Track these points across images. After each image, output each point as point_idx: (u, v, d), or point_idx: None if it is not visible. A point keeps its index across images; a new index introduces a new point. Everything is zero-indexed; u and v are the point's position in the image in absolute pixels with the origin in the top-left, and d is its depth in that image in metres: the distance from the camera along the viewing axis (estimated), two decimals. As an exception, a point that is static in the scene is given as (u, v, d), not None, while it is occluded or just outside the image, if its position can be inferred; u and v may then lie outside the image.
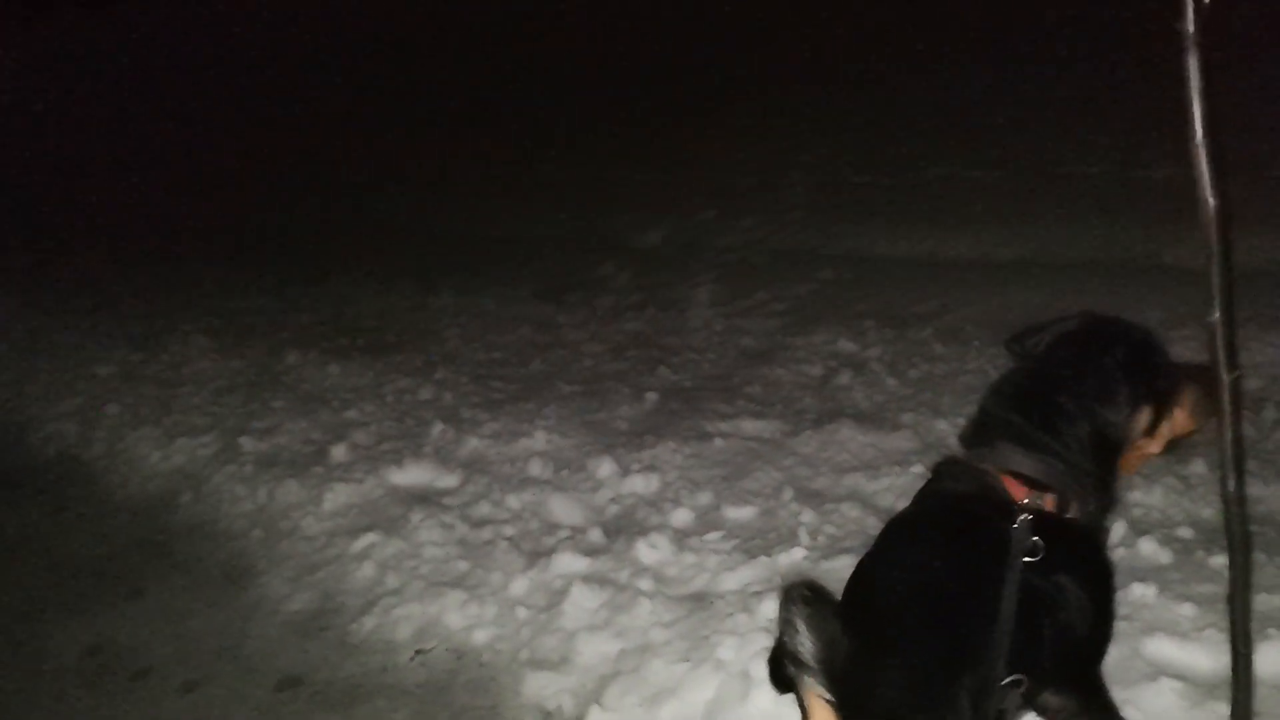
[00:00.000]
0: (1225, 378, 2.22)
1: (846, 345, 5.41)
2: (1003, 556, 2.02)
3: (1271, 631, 2.84)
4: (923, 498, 2.32)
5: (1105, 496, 2.21)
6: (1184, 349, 4.52)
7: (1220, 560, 3.16)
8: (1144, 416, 2.23)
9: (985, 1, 11.80)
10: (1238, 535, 2.30)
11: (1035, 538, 2.04)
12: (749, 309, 6.26)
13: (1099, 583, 2.16)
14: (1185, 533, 3.43)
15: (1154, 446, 2.30)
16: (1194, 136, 2.05)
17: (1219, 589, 2.95)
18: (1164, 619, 3.02)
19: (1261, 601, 2.90)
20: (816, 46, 12.12)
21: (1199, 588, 3.13)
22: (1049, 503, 2.13)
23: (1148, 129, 6.35)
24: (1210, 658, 2.81)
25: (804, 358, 5.40)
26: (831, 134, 9.54)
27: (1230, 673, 2.32)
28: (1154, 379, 2.22)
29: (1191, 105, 2.03)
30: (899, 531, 2.28)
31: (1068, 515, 2.16)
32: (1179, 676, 2.78)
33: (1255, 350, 4.42)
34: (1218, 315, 2.18)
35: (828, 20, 12.79)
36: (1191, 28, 1.99)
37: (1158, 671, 2.80)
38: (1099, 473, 2.17)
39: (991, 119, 8.85)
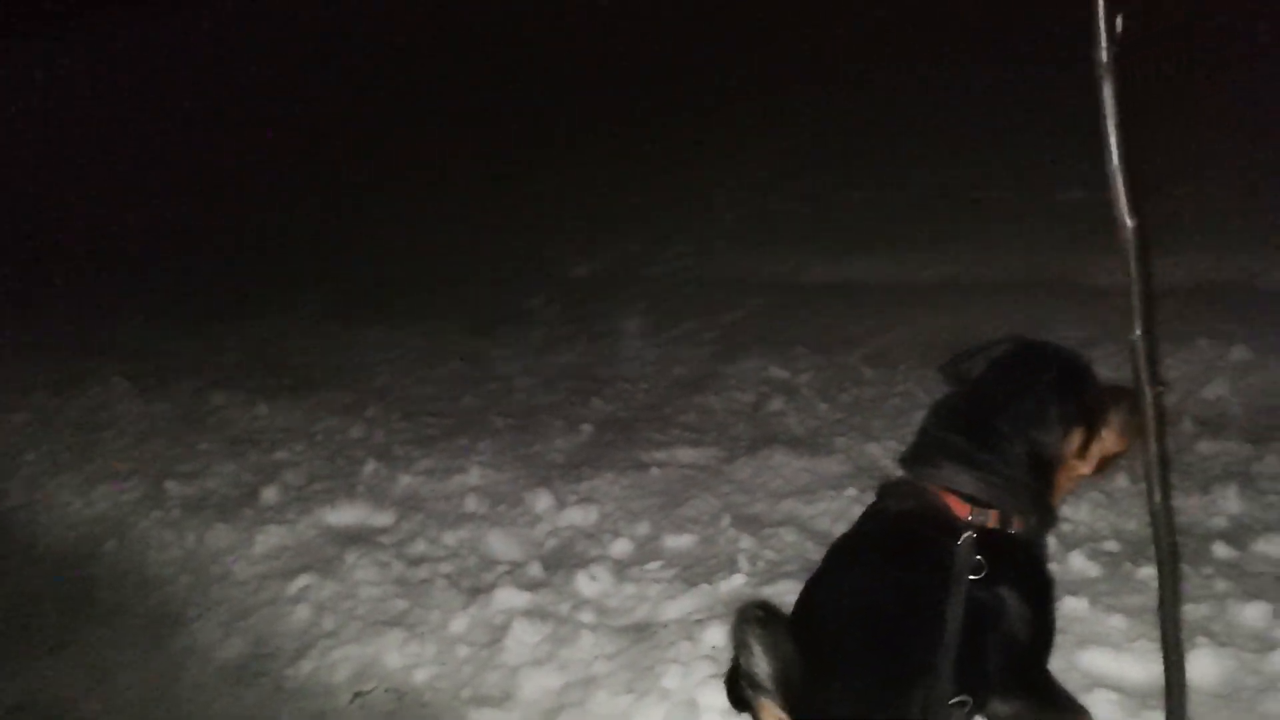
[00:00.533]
0: (1148, 393, 2.29)
1: (777, 372, 5.45)
2: (947, 573, 2.06)
3: (1201, 640, 2.91)
4: (868, 518, 2.36)
5: (1045, 511, 2.26)
6: (1106, 367, 4.64)
7: (1147, 572, 3.23)
8: (1076, 438, 2.29)
9: (901, 33, 12.06)
10: (1166, 547, 2.36)
11: (979, 555, 2.09)
12: (680, 338, 6.29)
13: (1039, 593, 2.22)
14: (1112, 546, 3.51)
15: (1086, 467, 2.36)
16: (1110, 160, 2.12)
17: (1148, 600, 3.03)
18: (1096, 631, 3.08)
19: (1189, 611, 2.97)
20: (739, 76, 12.29)
21: (1129, 599, 3.19)
22: (992, 519, 2.19)
23: (1065, 152, 6.53)
24: (1143, 668, 2.87)
25: (736, 385, 5.44)
26: (753, 162, 9.66)
27: (1164, 682, 2.38)
28: (1083, 402, 2.29)
29: (1107, 130, 2.10)
30: (844, 552, 2.32)
31: (1010, 530, 2.20)
32: (1114, 687, 2.84)
33: (1171, 366, 4.54)
34: (1138, 333, 2.25)
35: (750, 49, 13.00)
36: (1105, 55, 2.06)
37: (1093, 683, 2.86)
38: (1037, 489, 2.23)
39: (908, 145, 9.04)
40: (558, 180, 10.46)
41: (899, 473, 2.38)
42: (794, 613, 2.21)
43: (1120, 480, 3.78)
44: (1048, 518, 2.29)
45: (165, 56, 22.04)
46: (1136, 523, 3.54)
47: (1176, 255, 5.53)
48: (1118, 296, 2.30)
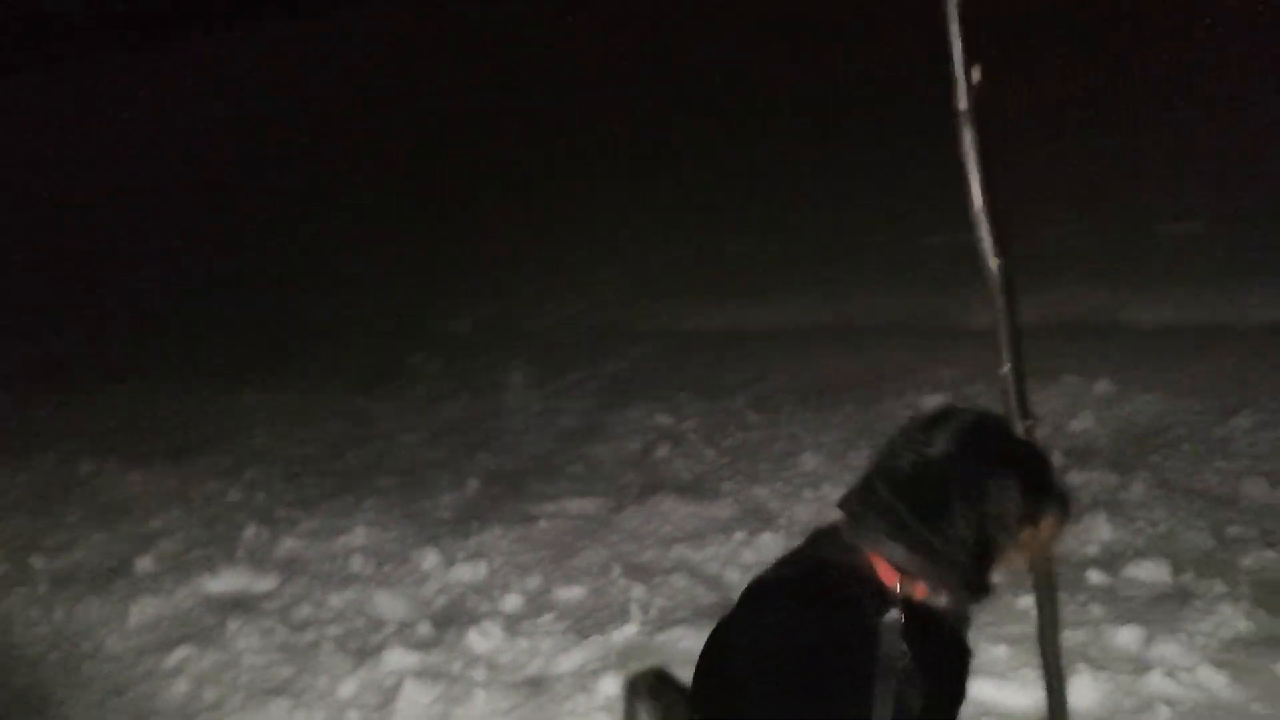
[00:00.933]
0: (1019, 426, 2.38)
1: (663, 419, 5.49)
2: (863, 642, 1.99)
3: (1080, 665, 3.01)
4: (790, 562, 2.26)
5: (978, 590, 2.19)
6: (979, 404, 4.77)
7: (1026, 601, 3.32)
8: (1026, 538, 2.24)
9: (775, 86, 12.39)
10: (1043, 576, 2.44)
11: (904, 644, 2.00)
12: (565, 389, 6.29)
13: (954, 666, 2.16)
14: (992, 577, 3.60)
15: (1020, 556, 2.30)
16: (973, 204, 2.22)
17: (1028, 628, 3.11)
18: (981, 661, 3.14)
19: (1067, 637, 3.06)
20: (617, 129, 12.46)
21: (1010, 629, 3.28)
22: (919, 590, 2.10)
23: (931, 197, 6.77)
24: (1027, 695, 2.95)
25: (623, 433, 5.46)
26: (632, 213, 9.78)
27: (1047, 707, 2.45)
28: (1041, 504, 2.22)
29: (969, 175, 2.20)
30: (761, 595, 2.22)
31: (938, 604, 2.12)
32: (1000, 715, 2.91)
33: (1041, 401, 4.68)
34: (1007, 369, 2.34)
35: (631, 103, 13.20)
36: (965, 104, 2.16)
37: (980, 712, 2.92)
38: (976, 572, 2.16)
39: (782, 195, 9.28)
40: (436, 234, 10.43)
41: (834, 519, 2.29)
42: (702, 656, 2.15)
43: (997, 513, 3.89)
44: (980, 595, 2.20)
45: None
46: (1014, 554, 3.64)
47: (1042, 293, 5.76)
48: (987, 334, 2.39)
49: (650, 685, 1.86)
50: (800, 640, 2.05)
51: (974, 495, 2.13)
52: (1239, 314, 5.46)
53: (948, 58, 2.15)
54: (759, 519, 4.28)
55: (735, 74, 13.19)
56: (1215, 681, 2.93)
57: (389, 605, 4.15)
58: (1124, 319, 5.72)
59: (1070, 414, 4.67)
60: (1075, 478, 4.15)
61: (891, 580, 2.08)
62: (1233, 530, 3.66)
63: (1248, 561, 3.47)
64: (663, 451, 5.14)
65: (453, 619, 3.96)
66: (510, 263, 9.10)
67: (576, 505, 4.73)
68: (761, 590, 2.24)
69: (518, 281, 8.60)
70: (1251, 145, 7.77)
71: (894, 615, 2.02)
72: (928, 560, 2.09)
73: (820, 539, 2.25)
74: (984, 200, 2.19)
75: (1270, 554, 3.48)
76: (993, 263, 2.21)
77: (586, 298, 7.96)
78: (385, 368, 7.25)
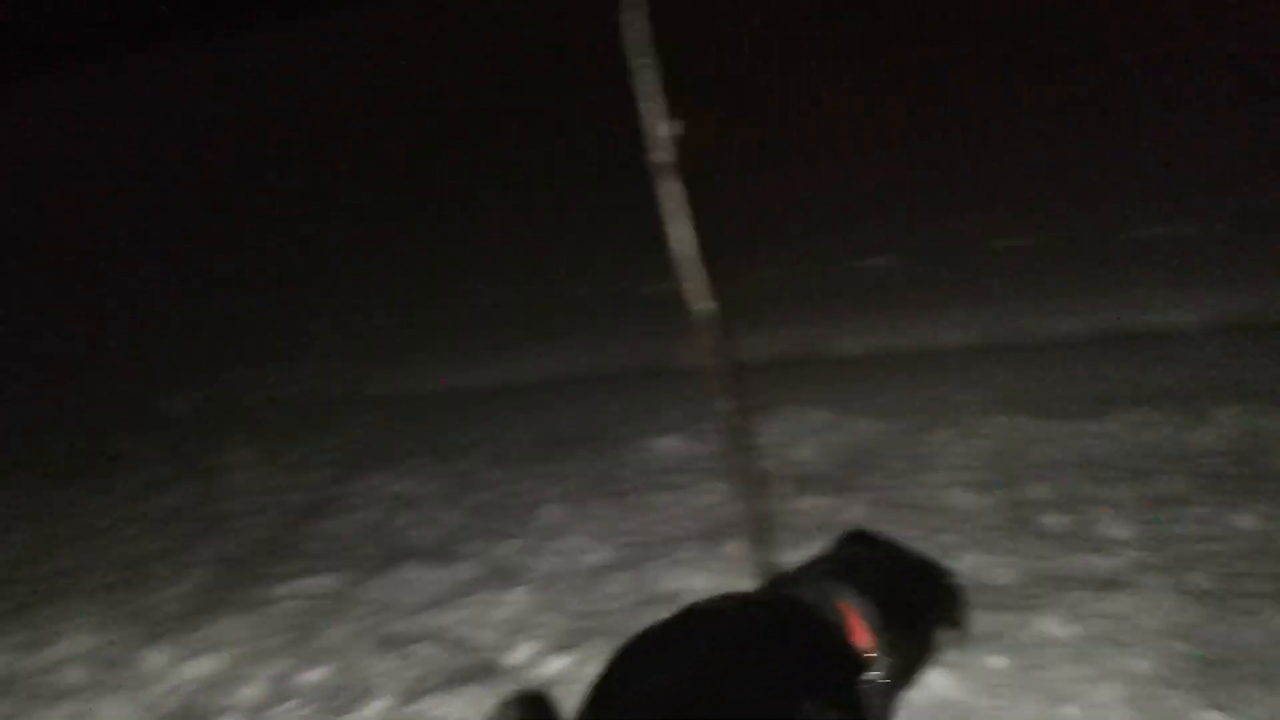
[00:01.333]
0: (739, 461, 2.50)
1: (402, 485, 5.39)
2: (842, 699, 1.97)
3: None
4: (740, 600, 2.18)
5: (897, 682, 2.22)
6: (705, 443, 4.98)
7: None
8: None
9: (489, 144, 12.53)
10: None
11: (889, 707, 2.05)
12: (295, 464, 6.07)
13: None
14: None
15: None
16: (677, 252, 2.33)
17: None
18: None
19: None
20: (340, 195, 12.25)
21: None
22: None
23: (645, 248, 7.03)
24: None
25: (360, 504, 5.31)
26: (350, 275, 9.63)
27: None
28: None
29: (672, 224, 2.31)
30: (709, 622, 2.08)
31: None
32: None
33: (763, 433, 4.94)
34: (725, 407, 2.46)
35: (363, 171, 13.06)
36: (666, 157, 2.26)
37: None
38: (908, 665, 2.25)
39: (498, 252, 9.38)
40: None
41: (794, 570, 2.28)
42: (603, 683, 1.97)
43: (729, 546, 4.03)
44: (900, 685, 2.25)
45: None
46: (751, 584, 3.78)
47: (756, 331, 6.08)
48: (707, 375, 2.51)
49: (522, 716, 1.75)
50: (755, 685, 1.90)
51: (946, 609, 2.35)
52: (931, 339, 5.95)
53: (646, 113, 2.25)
54: (504, 576, 4.26)
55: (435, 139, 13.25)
56: (940, 681, 3.13)
57: (113, 714, 3.85)
58: (829, 353, 6.11)
59: (792, 443, 4.92)
60: (800, 503, 4.36)
61: (865, 642, 2.08)
62: (944, 538, 3.95)
63: (958, 565, 3.75)
64: (403, 519, 5.04)
65: (187, 720, 3.72)
66: (220, 338, 8.75)
67: (315, 583, 4.55)
68: (704, 619, 2.09)
69: (230, 358, 8.27)
70: (934, 185, 8.54)
71: (878, 676, 2.04)
72: (894, 637, 2.14)
73: (786, 583, 2.24)
74: (689, 247, 2.29)
75: (978, 557, 3.78)
76: (700, 306, 2.32)
77: (305, 369, 7.75)
78: (93, 457, 6.76)
